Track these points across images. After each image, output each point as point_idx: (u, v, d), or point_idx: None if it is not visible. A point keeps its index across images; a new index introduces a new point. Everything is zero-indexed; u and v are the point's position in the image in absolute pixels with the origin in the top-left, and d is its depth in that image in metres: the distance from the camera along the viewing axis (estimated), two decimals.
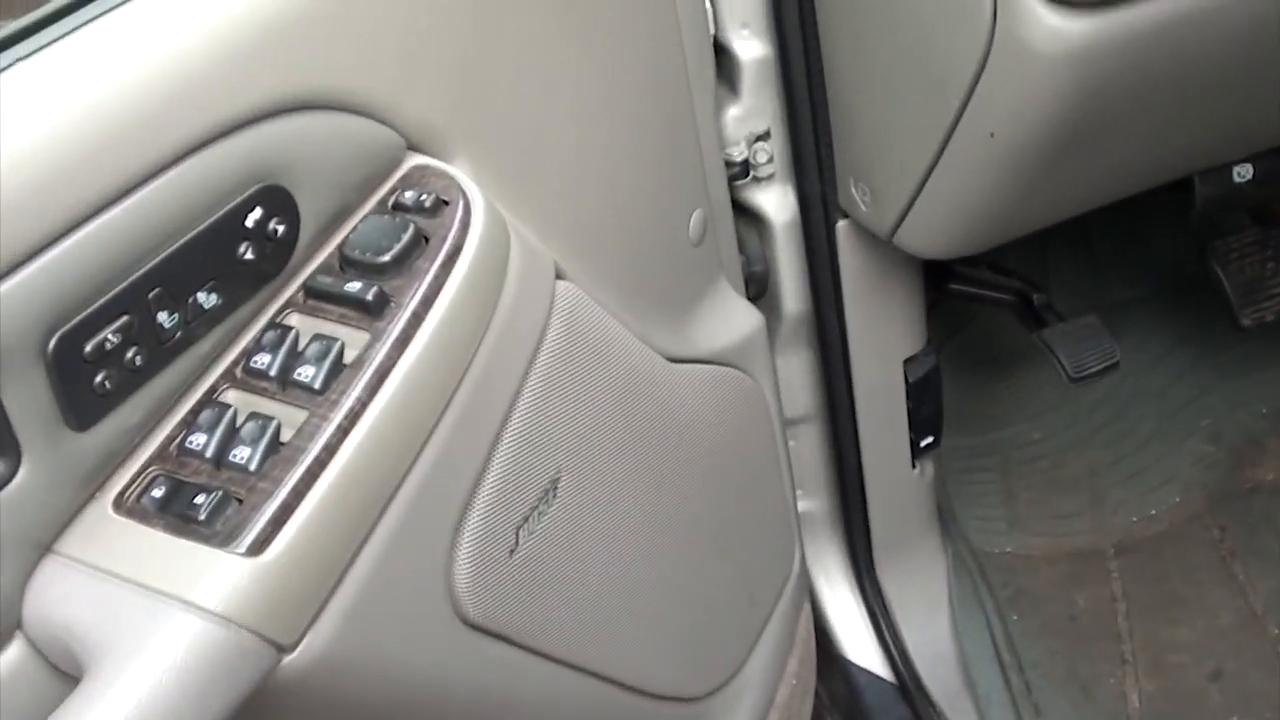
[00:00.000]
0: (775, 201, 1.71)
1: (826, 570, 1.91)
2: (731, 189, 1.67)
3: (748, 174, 1.67)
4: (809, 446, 1.86)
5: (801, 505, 1.88)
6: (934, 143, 1.37)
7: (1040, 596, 1.95)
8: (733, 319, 1.53)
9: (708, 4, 1.58)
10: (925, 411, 1.83)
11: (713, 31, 1.60)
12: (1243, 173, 1.69)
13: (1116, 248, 2.17)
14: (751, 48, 1.60)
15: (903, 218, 1.49)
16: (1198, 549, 2.01)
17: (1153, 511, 2.06)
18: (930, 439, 1.88)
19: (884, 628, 1.87)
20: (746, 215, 1.75)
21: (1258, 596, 1.91)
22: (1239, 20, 1.21)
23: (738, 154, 1.65)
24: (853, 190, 1.58)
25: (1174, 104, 1.29)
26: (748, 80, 1.63)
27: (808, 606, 1.76)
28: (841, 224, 1.66)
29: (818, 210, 1.65)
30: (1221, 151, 1.55)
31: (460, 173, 1.08)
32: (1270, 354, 2.17)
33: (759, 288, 1.82)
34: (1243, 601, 1.90)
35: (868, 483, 1.84)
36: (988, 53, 1.23)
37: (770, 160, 1.68)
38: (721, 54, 1.63)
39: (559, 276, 1.18)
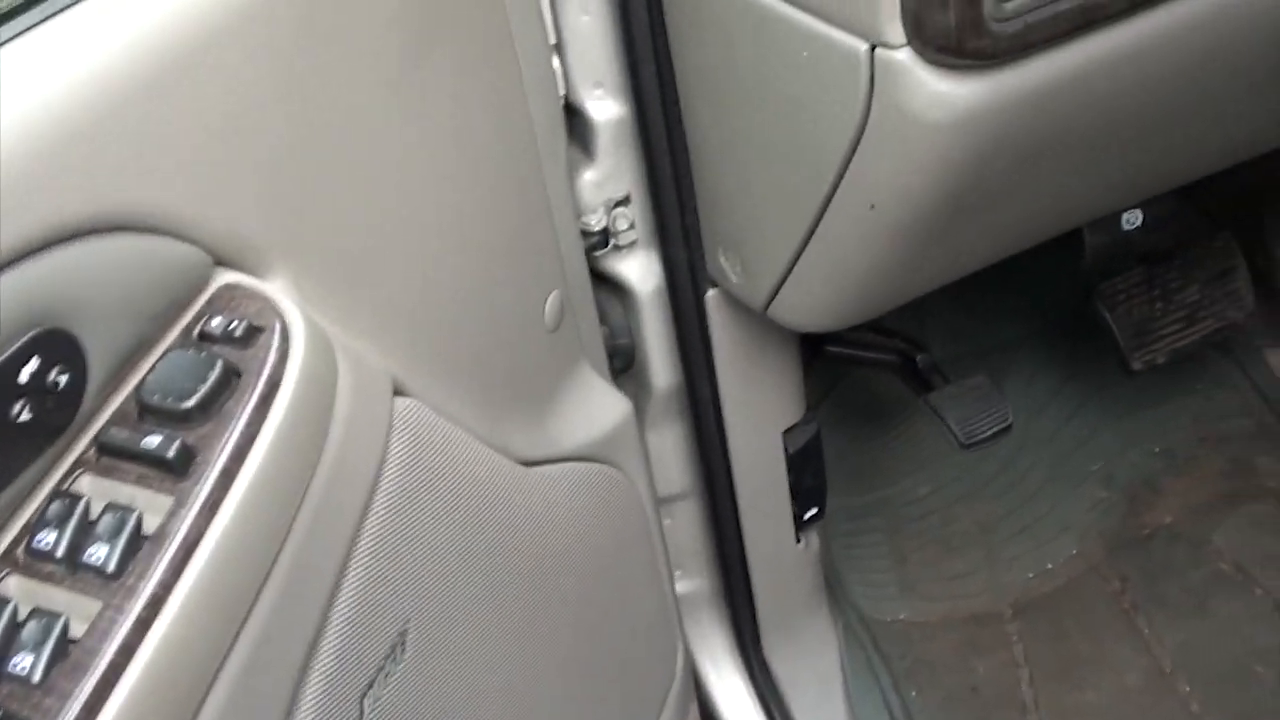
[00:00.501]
0: (639, 270, 1.60)
1: (712, 654, 1.80)
2: (591, 260, 1.55)
3: (607, 243, 1.55)
4: (686, 525, 1.75)
5: (682, 587, 1.77)
6: (808, 215, 1.27)
7: (939, 667, 1.86)
8: (596, 408, 1.41)
9: (556, 64, 1.45)
10: (808, 483, 1.73)
11: (563, 93, 1.47)
12: (1131, 219, 1.61)
13: (998, 289, 2.09)
14: (606, 108, 1.49)
15: (776, 291, 1.39)
16: (1098, 604, 1.94)
17: (1049, 565, 1.98)
18: (814, 510, 1.79)
19: (775, 712, 1.76)
20: (608, 285, 1.63)
21: (1164, 651, 1.84)
22: (1134, 72, 1.11)
23: (596, 222, 1.53)
24: (722, 260, 1.47)
25: (1067, 161, 1.21)
26: (604, 143, 1.51)
27: (694, 708, 1.64)
28: (711, 294, 1.55)
29: (685, 279, 1.54)
30: (1113, 202, 1.47)
31: (277, 290, 0.95)
32: (1158, 389, 2.11)
33: (625, 361, 1.70)
34: (1149, 659, 1.83)
35: (750, 560, 1.73)
36: (865, 121, 1.12)
37: (631, 227, 1.56)
38: (574, 116, 1.51)
39: (398, 392, 1.04)
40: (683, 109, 1.41)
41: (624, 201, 1.56)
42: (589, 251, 1.54)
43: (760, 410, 1.65)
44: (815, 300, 1.38)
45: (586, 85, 1.49)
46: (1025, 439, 2.13)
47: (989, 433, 1.61)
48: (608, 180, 1.55)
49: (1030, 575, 2.00)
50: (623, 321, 1.66)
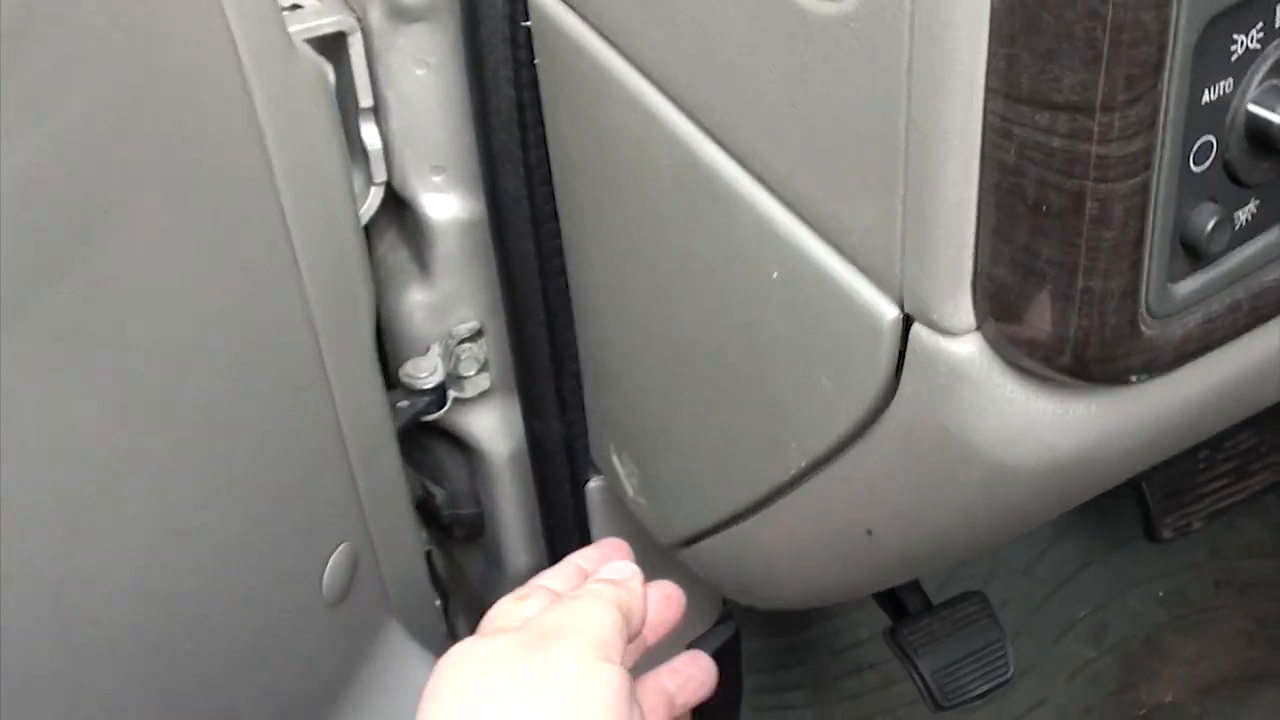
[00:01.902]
0: (492, 426, 1.09)
1: None
2: (419, 424, 1.03)
3: (444, 402, 1.02)
4: None
5: None
6: (754, 485, 0.78)
7: None
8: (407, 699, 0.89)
9: (372, 137, 0.92)
10: (723, 695, 1.23)
11: (384, 178, 0.94)
12: None
13: None
14: (447, 204, 0.96)
15: (695, 540, 0.88)
16: None
17: None
18: None
19: None
20: (448, 438, 1.11)
21: None
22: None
23: (427, 373, 1.00)
24: (614, 458, 0.97)
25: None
26: (444, 253, 1.00)
27: None
28: (595, 484, 1.03)
29: (558, 455, 1.02)
30: None
31: None
32: None
33: (469, 531, 1.19)
34: None
35: None
36: (875, 417, 0.63)
37: (483, 369, 1.03)
38: (404, 209, 0.97)
39: None
40: (562, 220, 0.89)
41: (473, 336, 1.03)
42: (418, 416, 1.01)
43: None
44: (750, 576, 0.88)
45: (420, 169, 0.97)
46: (994, 567, 1.66)
47: (978, 691, 1.12)
48: (450, 306, 1.02)
49: None
50: (466, 486, 1.15)
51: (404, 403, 1.05)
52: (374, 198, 0.99)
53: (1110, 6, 0.47)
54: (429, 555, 1.30)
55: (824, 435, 0.70)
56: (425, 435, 1.14)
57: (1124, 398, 0.61)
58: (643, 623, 0.68)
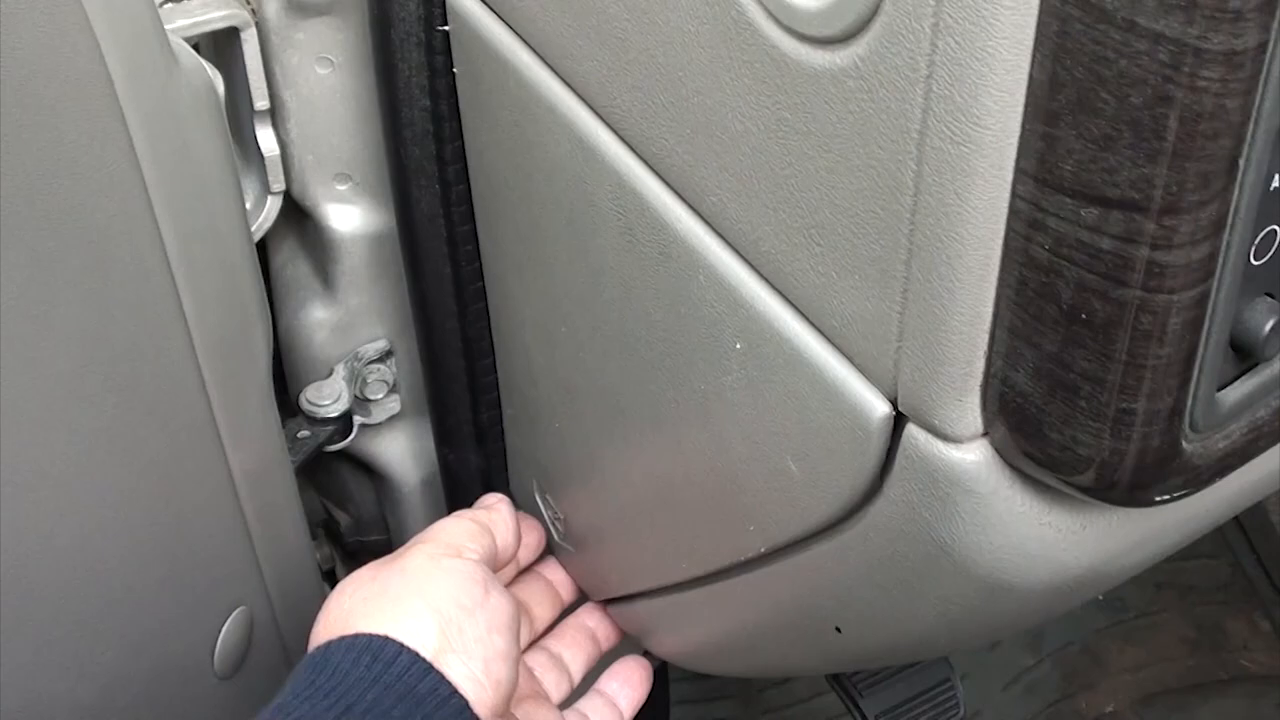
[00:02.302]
0: (401, 452, 0.99)
1: None
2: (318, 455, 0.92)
3: (350, 430, 0.92)
4: None
5: None
6: (698, 560, 0.68)
7: None
8: None
9: (268, 141, 0.81)
10: (650, 706, 1.15)
11: (282, 186, 0.83)
12: None
13: None
14: (352, 216, 0.85)
15: (624, 599, 0.79)
16: None
17: None
18: None
19: None
20: (354, 462, 1.01)
21: None
22: None
23: (330, 400, 0.90)
24: (535, 496, 0.86)
25: None
26: (350, 268, 0.88)
27: None
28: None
29: (473, 486, 0.93)
30: None
31: None
32: None
33: (376, 559, 1.07)
34: None
35: None
36: (850, 513, 0.53)
37: (392, 391, 0.93)
38: (305, 220, 0.87)
39: None
40: (482, 243, 0.79)
41: (381, 357, 0.93)
42: (320, 448, 0.91)
43: None
44: (688, 644, 0.79)
45: (322, 177, 0.86)
46: None
47: None
48: (355, 325, 0.92)
49: None
50: (373, 511, 1.05)
51: (304, 432, 0.95)
52: (271, 208, 0.88)
53: (1186, 91, 0.38)
54: (331, 574, 1.20)
55: (788, 525, 0.61)
56: (328, 456, 1.04)
57: (1146, 513, 0.52)
58: (514, 539, 0.82)
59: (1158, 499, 0.49)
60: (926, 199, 0.45)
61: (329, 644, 0.67)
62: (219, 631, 0.77)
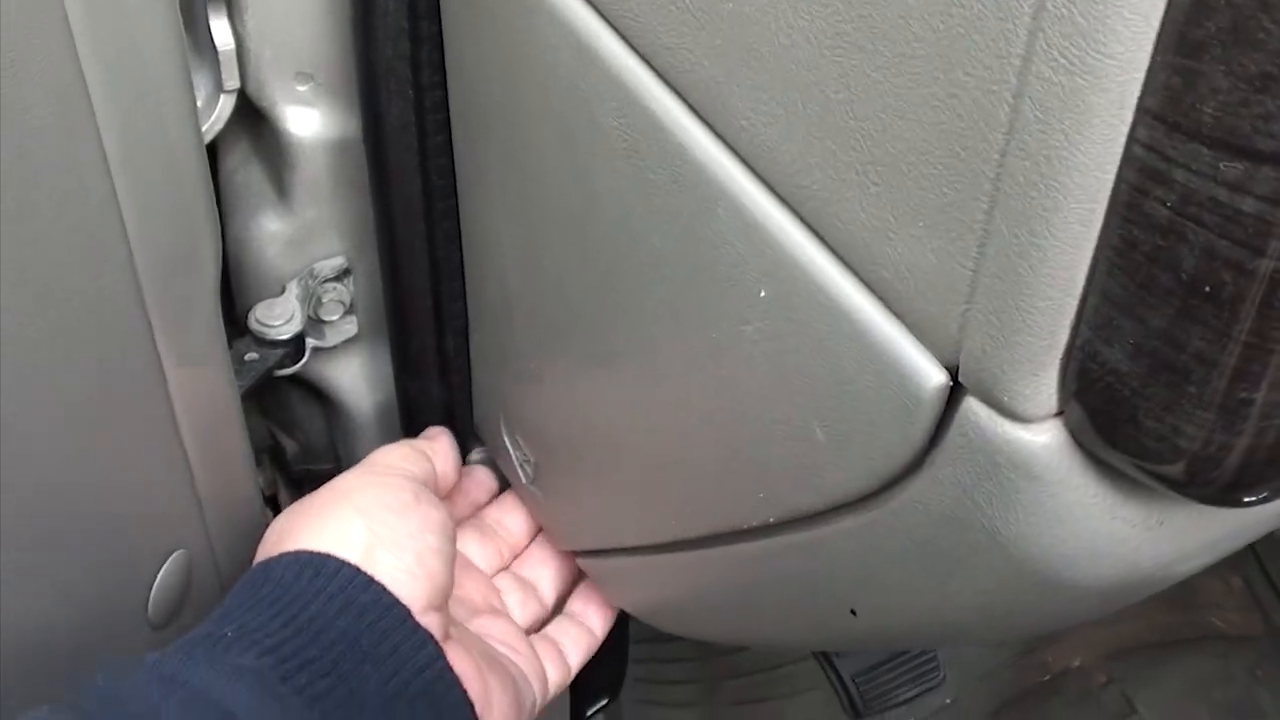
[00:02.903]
0: (356, 378, 0.92)
1: None
2: (270, 379, 0.85)
3: (302, 353, 0.84)
4: None
5: None
6: (688, 527, 0.61)
7: None
8: None
9: (224, 34, 0.73)
10: (603, 670, 1.11)
11: (236, 84, 0.75)
12: None
13: None
14: (313, 119, 0.78)
15: (599, 554, 0.73)
16: None
17: None
18: (605, 700, 1.17)
19: None
20: (305, 385, 0.93)
21: None
22: None
23: (281, 320, 0.83)
24: (503, 436, 0.80)
25: None
26: (308, 176, 0.80)
27: None
28: (477, 456, 0.87)
29: (433, 419, 0.87)
30: None
31: None
32: None
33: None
34: None
35: None
36: (890, 487, 0.46)
37: (349, 312, 0.86)
38: (260, 123, 0.79)
39: None
40: (457, 155, 0.72)
41: (338, 276, 0.85)
42: (270, 373, 0.84)
43: None
44: (668, 608, 0.72)
45: (281, 76, 0.78)
46: None
47: (904, 697, 1.00)
48: (310, 238, 0.84)
49: None
50: (323, 439, 0.97)
51: (252, 355, 0.87)
52: (223, 107, 0.80)
53: None
54: (274, 501, 1.13)
55: (806, 496, 0.54)
56: (276, 380, 0.96)
57: (1225, 512, 0.46)
58: (454, 471, 0.82)
59: (1249, 499, 0.42)
60: (1023, 138, 0.38)
61: (268, 561, 0.67)
62: (154, 577, 0.69)
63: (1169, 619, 1.57)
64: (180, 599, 0.72)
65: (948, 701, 1.51)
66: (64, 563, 0.66)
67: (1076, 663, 1.55)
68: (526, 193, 0.68)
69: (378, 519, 0.69)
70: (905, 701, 1.02)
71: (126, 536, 0.68)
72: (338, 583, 0.65)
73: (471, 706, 0.68)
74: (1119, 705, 1.52)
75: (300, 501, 0.73)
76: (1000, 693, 1.52)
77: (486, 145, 0.71)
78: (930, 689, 1.02)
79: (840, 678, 1.01)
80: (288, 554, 0.67)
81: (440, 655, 0.66)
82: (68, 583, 0.67)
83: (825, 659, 1.02)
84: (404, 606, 0.66)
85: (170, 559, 0.70)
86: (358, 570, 0.66)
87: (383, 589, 0.66)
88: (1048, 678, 1.54)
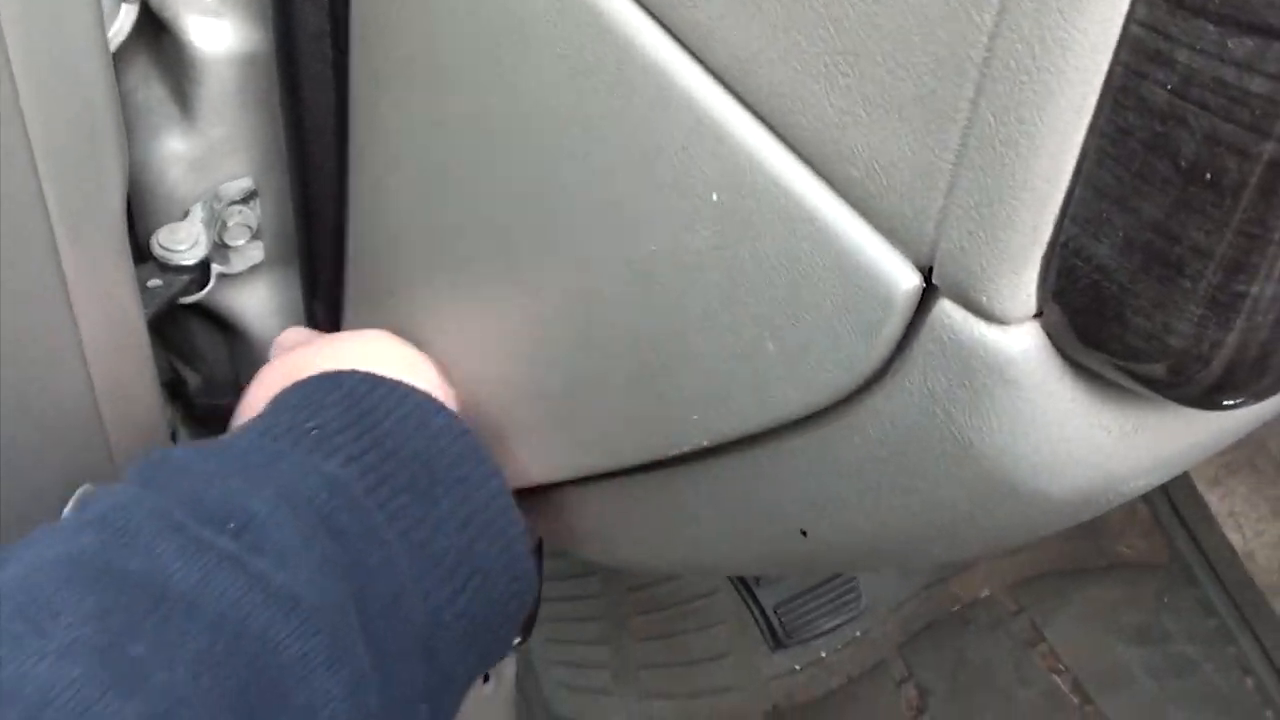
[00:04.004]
0: (263, 305, 0.89)
1: None
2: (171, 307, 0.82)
3: (207, 280, 0.81)
4: None
5: None
6: (613, 456, 0.59)
7: None
8: None
9: None
10: None
11: None
12: None
13: None
14: (220, 32, 0.74)
15: (531, 491, 0.71)
16: (885, 713, 1.39)
17: (823, 654, 1.40)
18: (517, 640, 1.14)
19: None
20: (207, 315, 0.90)
21: None
22: None
23: (185, 243, 0.79)
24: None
25: None
26: (214, 94, 0.77)
27: None
28: None
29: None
30: None
31: None
32: None
33: (227, 424, 0.98)
34: None
35: None
36: (839, 406, 0.44)
37: (255, 237, 0.82)
38: (162, 35, 0.75)
39: None
40: (352, 55, 0.70)
41: (245, 199, 0.82)
42: (170, 303, 0.80)
43: None
44: (598, 538, 0.71)
45: None
46: None
47: (826, 627, 1.00)
48: (215, 158, 0.81)
49: (796, 667, 1.41)
50: (226, 371, 0.94)
51: (155, 281, 0.84)
52: (124, 19, 0.76)
53: None
54: (173, 436, 1.08)
55: (750, 415, 0.53)
56: (178, 308, 0.92)
57: (1204, 415, 0.45)
58: None
59: (1230, 402, 0.41)
60: (1015, 19, 0.36)
61: (336, 373, 0.65)
62: (61, 512, 0.66)
63: (1076, 547, 1.58)
64: None
65: (858, 634, 1.51)
66: None
67: (985, 592, 1.56)
68: (435, 105, 0.65)
69: (399, 352, 0.70)
70: (827, 632, 1.01)
71: (33, 474, 0.65)
72: (410, 403, 0.64)
73: (539, 544, 0.65)
74: (1028, 633, 1.53)
75: (300, 349, 0.72)
76: (910, 623, 1.52)
77: (387, 56, 0.68)
78: (852, 619, 1.02)
79: (761, 608, 1.00)
80: (355, 371, 0.65)
81: (507, 490, 0.64)
82: None
83: (746, 589, 1.01)
84: (474, 435, 0.64)
85: (77, 492, 0.67)
86: (428, 395, 0.65)
87: (454, 415, 0.65)
88: (957, 608, 1.55)
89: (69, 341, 0.66)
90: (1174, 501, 1.56)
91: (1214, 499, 1.52)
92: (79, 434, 0.68)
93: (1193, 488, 1.55)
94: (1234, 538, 1.50)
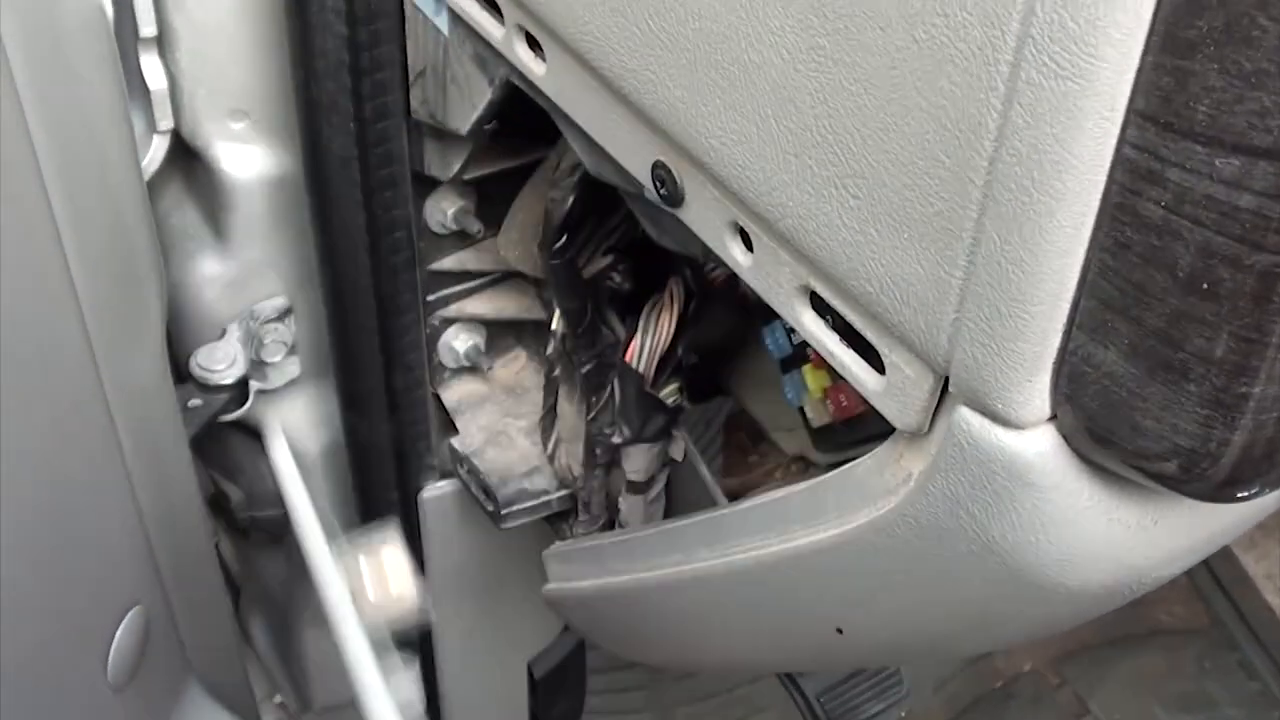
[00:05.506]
0: (301, 419, 0.92)
1: None
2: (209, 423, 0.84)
3: (246, 397, 0.83)
4: None
5: None
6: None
7: None
8: None
9: (155, 73, 0.72)
10: (560, 705, 1.10)
11: (170, 124, 0.74)
12: None
13: None
14: (250, 158, 0.77)
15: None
16: None
17: None
18: None
19: None
20: (246, 429, 0.92)
21: None
22: None
23: (224, 365, 0.82)
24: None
25: None
26: (246, 216, 0.80)
27: None
28: (431, 492, 0.86)
29: (384, 457, 0.85)
30: None
31: None
32: None
33: (269, 536, 1.01)
34: None
35: None
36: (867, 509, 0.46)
37: (292, 352, 0.85)
38: (194, 162, 0.78)
39: None
40: None
41: (280, 316, 0.84)
42: (211, 422, 0.83)
43: (495, 638, 1.00)
44: (635, 638, 0.72)
45: (215, 114, 0.78)
46: None
47: (871, 712, 1.00)
48: (250, 278, 0.84)
49: None
50: (268, 485, 0.96)
51: (196, 401, 0.86)
52: (157, 148, 0.79)
53: None
54: (216, 546, 1.11)
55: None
56: (217, 424, 0.94)
57: (1218, 508, 0.46)
58: None
59: (1244, 495, 0.43)
60: (1013, 144, 0.38)
61: None
62: (113, 636, 0.68)
63: (1115, 617, 1.58)
64: (139, 657, 0.70)
65: (903, 715, 1.51)
66: (18, 628, 0.65)
67: (1027, 666, 1.56)
68: None
69: None
70: (871, 717, 1.02)
71: (83, 594, 0.67)
72: None
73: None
74: (1073, 705, 1.53)
75: None
76: (954, 701, 1.52)
77: None
78: (895, 702, 1.02)
79: (805, 697, 1.01)
80: None
81: None
82: (24, 649, 0.65)
83: (789, 679, 1.02)
84: None
85: (128, 616, 0.69)
86: None
87: None
88: (1000, 684, 1.55)
89: (113, 464, 0.69)
90: (1211, 566, 1.57)
91: (1249, 561, 1.52)
92: (125, 553, 0.70)
93: (1229, 551, 1.55)
94: (1272, 600, 1.50)
